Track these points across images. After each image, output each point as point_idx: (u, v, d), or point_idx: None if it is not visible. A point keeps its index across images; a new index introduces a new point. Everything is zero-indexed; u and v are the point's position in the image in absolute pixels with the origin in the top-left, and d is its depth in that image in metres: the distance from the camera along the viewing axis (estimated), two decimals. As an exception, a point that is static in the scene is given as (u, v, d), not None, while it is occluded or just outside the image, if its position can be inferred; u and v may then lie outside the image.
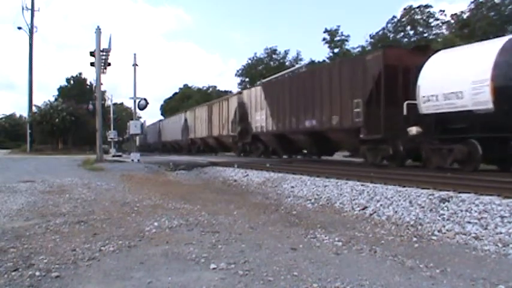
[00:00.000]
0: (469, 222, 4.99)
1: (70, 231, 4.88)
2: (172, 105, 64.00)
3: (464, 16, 36.93)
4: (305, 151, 18.63)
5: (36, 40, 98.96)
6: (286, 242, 4.45)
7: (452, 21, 39.14)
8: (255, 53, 55.12)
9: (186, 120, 32.73)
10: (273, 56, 53.85)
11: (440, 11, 46.66)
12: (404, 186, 7.05)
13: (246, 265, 3.57)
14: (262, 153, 20.60)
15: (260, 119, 19.43)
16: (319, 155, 17.46)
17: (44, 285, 3.12)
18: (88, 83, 46.97)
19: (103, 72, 19.80)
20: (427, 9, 42.11)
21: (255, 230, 5.04)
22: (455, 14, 39.38)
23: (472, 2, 36.85)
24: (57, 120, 33.45)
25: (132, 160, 18.80)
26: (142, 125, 22.89)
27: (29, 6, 35.97)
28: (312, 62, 42.24)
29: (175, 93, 71.50)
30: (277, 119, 17.71)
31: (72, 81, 49.16)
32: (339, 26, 47.04)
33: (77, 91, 45.02)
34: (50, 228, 5.04)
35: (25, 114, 42.15)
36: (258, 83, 25.29)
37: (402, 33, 42.40)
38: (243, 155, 22.29)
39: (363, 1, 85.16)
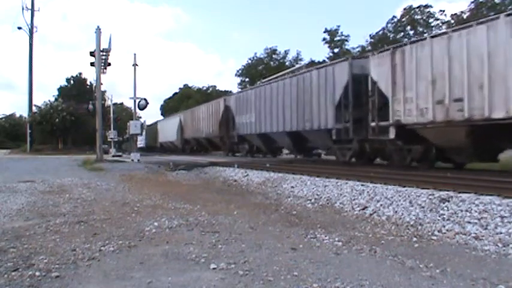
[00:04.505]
0: (469, 222, 4.99)
1: (70, 231, 4.88)
2: (172, 105, 63.85)
3: (464, 16, 36.88)
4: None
5: (36, 40, 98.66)
6: (286, 242, 4.45)
7: (452, 21, 39.08)
8: (255, 53, 55.04)
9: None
10: (273, 56, 53.76)
11: (440, 11, 46.44)
12: (404, 186, 7.05)
13: (246, 265, 3.57)
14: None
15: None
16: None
17: (44, 285, 3.12)
18: (88, 83, 46.93)
19: (103, 72, 19.85)
20: (427, 9, 42.12)
21: (255, 230, 5.04)
22: (455, 14, 39.44)
23: (472, 2, 36.90)
24: (57, 120, 33.52)
25: (132, 160, 18.84)
26: (142, 125, 23.00)
27: (29, 6, 36.10)
28: (312, 62, 42.13)
29: (175, 93, 71.37)
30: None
31: (72, 81, 49.08)
32: (339, 26, 47.08)
33: (77, 91, 44.98)
34: (50, 228, 5.04)
35: (25, 114, 42.20)
36: (258, 83, 25.62)
37: (402, 33, 42.38)
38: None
39: (363, 1, 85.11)
